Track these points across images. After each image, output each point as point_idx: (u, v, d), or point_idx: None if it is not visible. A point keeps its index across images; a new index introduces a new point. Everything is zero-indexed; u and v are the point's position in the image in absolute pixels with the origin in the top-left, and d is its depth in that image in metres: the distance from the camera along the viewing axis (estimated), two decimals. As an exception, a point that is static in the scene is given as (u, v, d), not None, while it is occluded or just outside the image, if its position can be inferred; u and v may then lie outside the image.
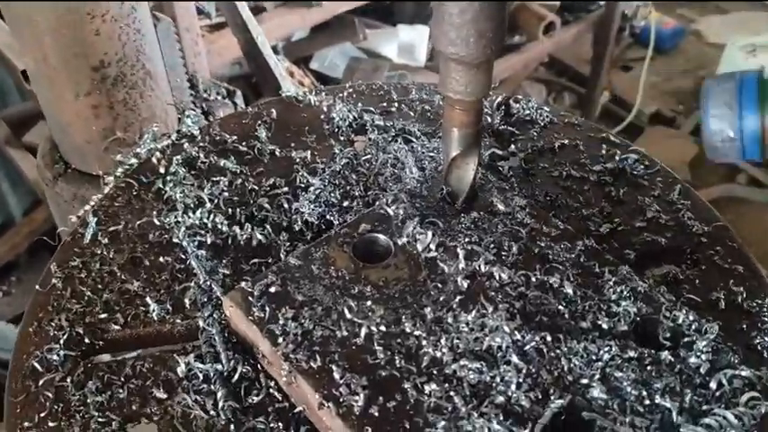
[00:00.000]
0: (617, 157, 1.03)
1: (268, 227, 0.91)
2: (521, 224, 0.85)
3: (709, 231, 0.93)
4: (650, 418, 0.65)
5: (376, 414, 0.65)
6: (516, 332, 0.71)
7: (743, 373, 0.68)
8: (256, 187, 0.98)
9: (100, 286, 0.85)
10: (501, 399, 0.66)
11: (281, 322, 0.73)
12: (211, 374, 0.74)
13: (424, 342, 0.71)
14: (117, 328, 0.80)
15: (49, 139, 1.60)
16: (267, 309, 0.74)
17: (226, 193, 0.96)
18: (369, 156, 1.01)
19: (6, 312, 2.82)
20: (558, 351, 0.70)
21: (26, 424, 0.71)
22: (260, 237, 0.89)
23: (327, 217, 0.92)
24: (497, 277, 0.77)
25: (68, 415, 0.71)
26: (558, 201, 0.97)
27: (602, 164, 1.03)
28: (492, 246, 0.81)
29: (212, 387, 0.73)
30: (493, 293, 0.76)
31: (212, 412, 0.71)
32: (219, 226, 0.91)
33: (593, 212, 0.95)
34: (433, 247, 0.81)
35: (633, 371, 0.68)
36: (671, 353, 0.70)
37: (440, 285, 0.77)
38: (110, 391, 0.74)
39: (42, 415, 0.71)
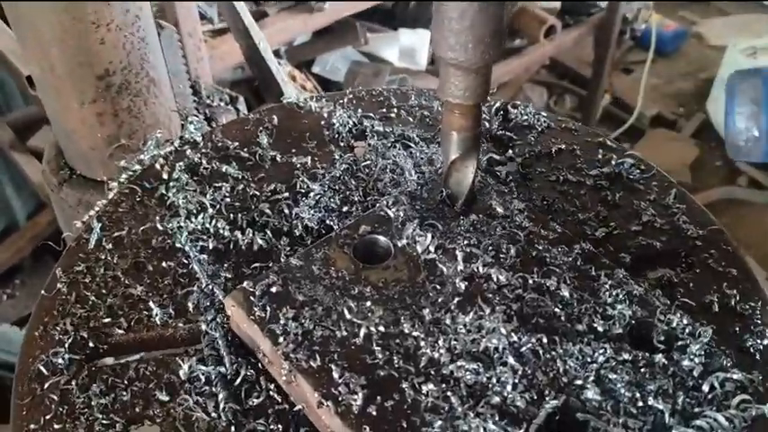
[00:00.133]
0: (613, 162, 1.04)
1: (269, 232, 0.92)
2: (519, 227, 0.86)
3: (703, 235, 0.94)
4: (643, 419, 0.66)
5: (374, 413, 0.66)
6: (513, 334, 0.72)
7: (735, 377, 0.69)
8: (258, 193, 0.99)
9: (104, 291, 0.86)
10: (497, 399, 0.67)
11: (281, 322, 0.74)
12: (213, 377, 0.75)
13: (422, 343, 0.72)
14: (121, 332, 0.82)
15: (54, 145, 1.62)
16: (268, 308, 0.75)
17: (228, 199, 0.98)
18: (368, 161, 1.02)
19: (11, 315, 2.84)
20: (553, 353, 0.71)
21: (32, 426, 0.72)
22: (261, 242, 0.91)
23: (327, 222, 0.93)
24: (495, 279, 0.79)
25: (73, 417, 0.73)
26: (555, 205, 0.98)
27: (598, 168, 1.04)
28: (490, 248, 0.83)
29: (214, 389, 0.74)
30: (490, 295, 0.77)
31: (214, 414, 0.72)
32: (221, 231, 0.92)
33: (589, 216, 0.96)
34: (432, 249, 0.82)
35: (627, 373, 0.70)
36: (665, 356, 0.71)
37: (438, 287, 0.78)
38: (113, 393, 0.75)
39: (48, 417, 0.73)
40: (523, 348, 0.71)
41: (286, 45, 3.23)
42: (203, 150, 1.07)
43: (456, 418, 0.65)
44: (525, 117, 1.14)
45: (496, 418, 0.65)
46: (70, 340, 0.80)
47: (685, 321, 0.74)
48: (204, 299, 0.83)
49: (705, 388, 0.69)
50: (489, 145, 1.09)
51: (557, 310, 0.75)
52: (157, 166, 1.04)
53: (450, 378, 0.69)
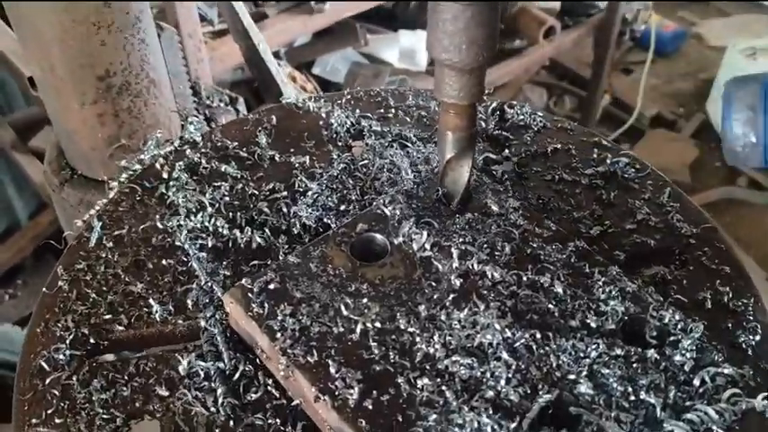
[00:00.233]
0: (608, 161, 1.05)
1: (267, 230, 0.93)
2: (514, 225, 0.87)
3: (697, 233, 0.95)
4: (635, 413, 0.67)
5: (370, 407, 0.67)
6: (507, 329, 0.73)
7: (725, 371, 0.70)
8: (256, 192, 1.01)
9: (104, 288, 0.88)
10: (491, 393, 0.68)
11: (279, 318, 0.75)
12: (212, 372, 0.76)
13: (417, 338, 0.73)
14: (121, 328, 0.83)
15: (55, 145, 1.63)
16: (266, 305, 0.76)
17: (227, 198, 0.99)
18: (366, 161, 1.04)
19: (12, 315, 2.85)
20: (547, 348, 0.72)
21: (34, 420, 0.73)
22: (259, 240, 0.92)
23: (325, 220, 0.95)
24: (490, 276, 0.80)
25: (74, 412, 0.74)
26: (551, 204, 0.99)
27: (593, 167, 1.05)
28: (485, 246, 0.84)
29: (212, 384, 0.75)
30: (485, 292, 0.78)
31: (212, 409, 0.73)
32: (220, 229, 0.93)
33: (584, 215, 0.97)
34: (428, 246, 0.83)
35: (620, 368, 0.71)
36: (657, 351, 0.72)
37: (434, 284, 0.79)
38: (114, 389, 0.76)
39: (49, 412, 0.74)
40: (517, 344, 0.72)
41: (286, 46, 3.24)
42: (203, 150, 1.08)
43: (450, 411, 0.66)
44: (521, 117, 1.15)
45: (490, 412, 0.66)
46: (71, 336, 0.81)
47: (677, 317, 0.75)
48: (203, 296, 0.85)
49: (696, 382, 0.70)
50: (486, 144, 1.10)
51: (550, 306, 0.76)
52: (157, 165, 1.05)
53: (445, 373, 0.70)
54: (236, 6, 1.97)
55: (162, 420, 0.73)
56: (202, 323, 0.81)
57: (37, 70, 1.42)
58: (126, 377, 0.77)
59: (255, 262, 0.89)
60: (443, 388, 0.68)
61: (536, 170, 1.05)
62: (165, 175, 1.03)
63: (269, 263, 0.88)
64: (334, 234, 0.86)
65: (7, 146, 2.68)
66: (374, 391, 0.68)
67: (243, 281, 0.79)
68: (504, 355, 0.71)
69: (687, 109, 4.43)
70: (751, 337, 0.81)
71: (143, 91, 1.44)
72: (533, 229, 0.87)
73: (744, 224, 3.62)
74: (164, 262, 0.91)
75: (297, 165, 1.06)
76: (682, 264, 0.91)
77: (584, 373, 0.70)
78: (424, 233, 0.84)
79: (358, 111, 1.16)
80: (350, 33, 3.22)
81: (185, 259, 0.90)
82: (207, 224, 0.94)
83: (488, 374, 0.70)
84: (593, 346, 0.72)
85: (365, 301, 0.77)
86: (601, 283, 0.79)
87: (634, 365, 0.71)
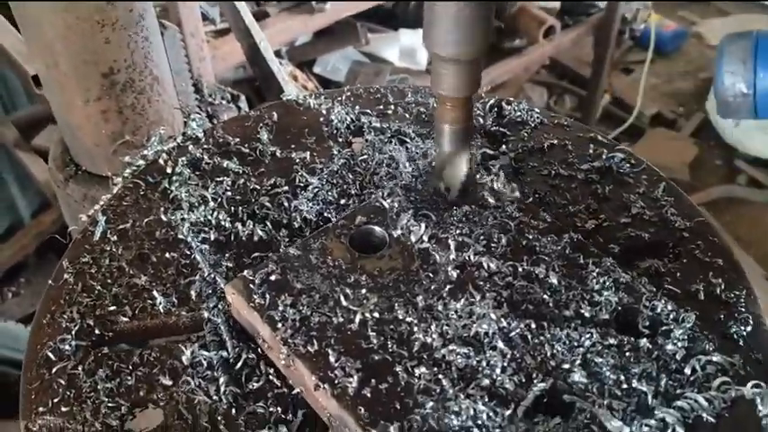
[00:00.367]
0: (604, 156, 1.07)
1: (269, 224, 0.95)
2: (510, 217, 0.89)
3: (691, 227, 0.97)
4: (627, 401, 0.68)
5: (369, 395, 0.68)
6: (502, 319, 0.74)
7: (715, 359, 0.72)
8: (258, 187, 1.02)
9: (109, 281, 0.89)
10: (486, 382, 0.69)
11: (280, 309, 0.76)
12: (214, 362, 0.78)
13: (415, 328, 0.75)
14: (125, 319, 0.84)
15: (59, 142, 1.65)
16: (267, 296, 0.78)
17: (229, 193, 1.00)
18: (365, 156, 1.05)
19: (16, 312, 2.87)
20: (541, 337, 0.74)
21: (41, 409, 0.75)
22: (261, 233, 0.93)
23: (325, 214, 0.96)
24: (486, 267, 0.81)
25: (80, 400, 0.75)
26: (547, 198, 1.00)
27: (589, 163, 1.06)
28: (482, 238, 0.85)
29: (215, 374, 0.77)
30: (481, 283, 0.79)
31: (215, 397, 0.75)
32: (223, 223, 0.95)
33: (579, 209, 0.99)
34: (425, 238, 0.85)
35: (613, 357, 0.72)
36: (649, 340, 0.74)
37: (431, 275, 0.81)
38: (118, 378, 0.77)
39: (56, 400, 0.75)
40: (512, 333, 0.74)
41: (287, 45, 3.26)
42: (205, 146, 1.10)
43: (447, 399, 0.68)
44: (519, 113, 1.16)
45: (486, 400, 0.67)
46: (77, 327, 0.83)
47: (670, 307, 0.77)
48: (206, 287, 0.86)
49: (687, 371, 0.71)
50: (483, 140, 1.12)
51: (545, 296, 0.78)
52: (161, 161, 1.07)
53: (442, 362, 0.71)
54: (238, 5, 1.99)
55: (165, 409, 0.75)
56: (205, 314, 0.83)
57: (41, 67, 1.44)
58: (130, 367, 0.79)
59: (257, 254, 0.91)
60: (440, 376, 0.70)
61: (532, 165, 1.07)
62: (168, 171, 1.05)
63: (270, 255, 0.89)
64: (333, 226, 0.87)
65: (10, 144, 2.70)
66: (373, 380, 0.70)
67: (244, 272, 0.81)
68: (500, 345, 0.72)
69: (687, 108, 4.45)
70: (743, 327, 0.82)
71: (146, 88, 1.46)
72: (529, 221, 0.88)
73: (743, 222, 3.63)
74: (167, 255, 0.92)
75: (298, 160, 1.07)
76: (675, 257, 0.93)
77: (578, 361, 0.72)
78: (422, 225, 0.85)
79: (358, 107, 1.18)
80: (351, 33, 3.24)
81: (188, 252, 0.92)
82: (209, 218, 0.96)
83: (484, 363, 0.71)
84: (587, 336, 0.73)
85: (364, 291, 0.79)
86: (595, 273, 0.80)
87: (627, 354, 0.72)
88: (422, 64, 3.51)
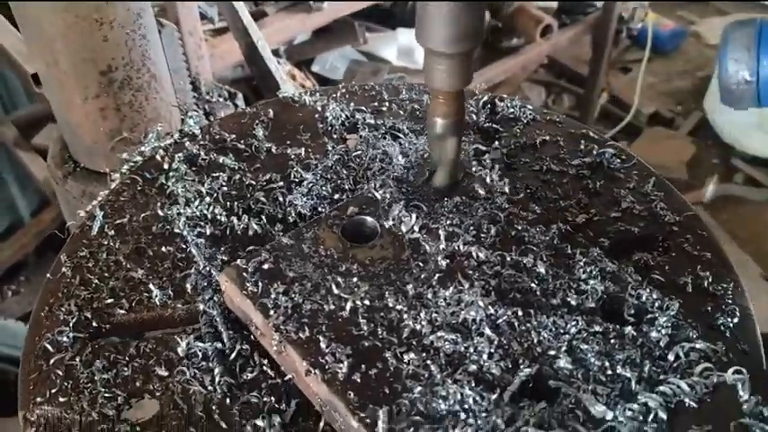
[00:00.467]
0: (595, 152, 1.08)
1: (264, 218, 0.97)
2: (499, 208, 0.90)
3: (680, 221, 0.98)
4: (611, 386, 0.70)
5: (358, 380, 0.70)
6: (490, 307, 0.76)
7: (698, 346, 0.73)
8: (253, 182, 1.04)
9: (106, 274, 0.91)
10: (474, 367, 0.71)
11: (272, 296, 0.78)
12: (209, 353, 0.79)
13: (404, 316, 0.76)
14: (122, 312, 0.86)
15: (58, 139, 1.67)
16: (260, 284, 0.79)
17: (224, 188, 1.02)
18: (359, 152, 1.07)
19: (15, 310, 2.88)
20: (528, 325, 0.75)
21: (38, 399, 0.76)
22: (256, 227, 0.95)
23: (319, 209, 0.98)
24: (475, 257, 0.83)
25: (77, 391, 0.77)
26: (538, 193, 1.02)
27: (580, 158, 1.08)
28: (471, 228, 0.87)
29: (210, 365, 0.78)
30: (470, 272, 0.81)
31: (210, 387, 0.76)
32: (218, 217, 0.97)
33: (570, 204, 1.00)
34: (416, 228, 0.86)
35: (598, 344, 0.73)
36: (634, 328, 0.75)
37: (421, 264, 0.82)
38: (115, 369, 0.79)
39: (53, 391, 0.77)
40: (500, 320, 0.75)
41: (286, 44, 3.27)
42: (201, 142, 1.12)
43: (435, 384, 0.69)
44: (511, 110, 1.18)
45: (473, 385, 0.69)
46: (74, 320, 0.84)
47: (655, 296, 0.78)
48: (202, 280, 0.88)
49: (671, 357, 0.72)
50: (476, 137, 1.13)
51: (533, 285, 0.79)
52: (158, 157, 1.08)
53: (431, 348, 0.73)
54: (236, 5, 2.01)
55: (161, 399, 0.76)
56: (201, 306, 0.84)
57: (41, 66, 1.46)
58: (127, 358, 0.80)
59: (252, 248, 0.92)
60: (428, 362, 0.71)
61: (525, 161, 1.08)
62: (165, 167, 1.06)
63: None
64: (326, 216, 0.89)
65: (10, 143, 2.71)
66: (363, 366, 0.71)
67: (238, 261, 0.82)
68: (487, 331, 0.74)
69: (685, 107, 4.45)
70: (729, 319, 0.84)
71: (144, 86, 1.48)
72: (518, 213, 0.90)
73: (740, 221, 3.64)
74: (163, 249, 0.94)
75: (293, 156, 1.09)
76: (664, 250, 0.94)
77: (564, 348, 0.73)
78: (413, 216, 0.87)
79: (353, 104, 1.19)
80: (349, 32, 3.25)
81: (184, 246, 0.94)
82: (205, 212, 0.97)
83: (472, 349, 0.73)
84: (573, 323, 0.75)
85: (355, 280, 0.80)
86: (582, 263, 0.82)
87: (611, 341, 0.74)
88: (419, 63, 3.52)
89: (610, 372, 0.71)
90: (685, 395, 0.69)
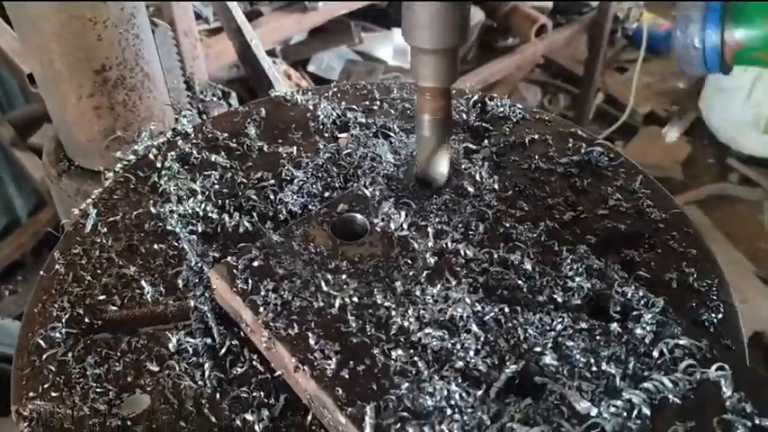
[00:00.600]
0: (583, 150, 1.09)
1: (255, 216, 0.97)
2: (488, 206, 0.91)
3: (666, 218, 0.99)
4: (596, 382, 0.70)
5: (346, 376, 0.70)
6: (477, 304, 0.76)
7: (682, 342, 0.74)
8: (245, 180, 1.04)
9: (99, 271, 0.91)
10: (460, 363, 0.71)
11: (262, 293, 0.79)
12: (200, 348, 0.80)
13: (393, 312, 0.77)
14: (114, 308, 0.86)
15: (53, 138, 1.67)
16: (250, 281, 0.80)
17: (216, 186, 1.03)
18: (350, 150, 1.08)
19: (13, 310, 2.89)
20: (514, 321, 0.76)
21: (31, 394, 0.77)
22: (247, 224, 0.96)
23: (310, 207, 0.98)
24: (463, 254, 0.83)
25: (69, 386, 0.77)
26: (526, 191, 1.03)
27: (568, 156, 1.09)
28: (460, 225, 0.87)
29: (200, 360, 0.79)
30: (458, 269, 0.82)
31: (200, 382, 0.77)
32: (210, 215, 0.97)
33: (558, 201, 1.01)
34: (405, 226, 0.87)
35: (583, 340, 0.74)
36: (619, 325, 0.76)
37: (410, 261, 0.83)
38: (107, 364, 0.79)
39: (46, 386, 0.77)
40: (487, 317, 0.76)
41: (281, 44, 3.28)
42: (194, 141, 1.12)
43: (422, 380, 0.70)
44: (501, 108, 1.19)
45: (459, 381, 0.69)
46: (67, 316, 0.85)
47: (641, 293, 0.79)
48: (193, 276, 0.89)
49: (655, 354, 0.73)
50: (466, 135, 1.14)
51: (520, 282, 0.80)
52: (151, 155, 1.09)
53: (418, 344, 0.74)
54: (230, 5, 2.01)
55: (152, 394, 0.77)
56: (192, 302, 0.85)
57: (36, 65, 1.47)
58: (118, 353, 0.81)
59: (242, 244, 0.93)
60: (416, 359, 0.72)
61: (513, 159, 1.09)
62: (158, 165, 1.07)
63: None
64: (316, 214, 0.90)
65: (7, 143, 2.72)
66: (351, 362, 0.72)
67: (228, 258, 0.83)
68: (474, 328, 0.75)
69: (680, 107, 4.47)
70: (713, 315, 0.85)
71: (138, 85, 1.49)
72: (506, 210, 0.91)
73: (735, 220, 3.66)
74: (155, 246, 0.94)
75: (284, 155, 1.09)
76: (650, 247, 0.95)
77: (550, 345, 0.74)
78: (402, 213, 0.88)
79: (344, 103, 1.20)
80: (344, 31, 3.26)
81: (176, 244, 0.94)
82: (197, 210, 0.98)
83: (459, 346, 0.73)
84: (559, 320, 0.75)
85: (344, 277, 0.81)
86: (569, 261, 0.83)
87: (597, 338, 0.74)
88: (415, 63, 3.53)
89: (595, 368, 0.72)
90: (669, 391, 0.69)
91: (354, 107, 1.19)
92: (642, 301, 0.79)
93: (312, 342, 0.73)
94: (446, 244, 0.84)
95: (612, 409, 0.68)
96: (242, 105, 1.24)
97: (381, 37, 3.57)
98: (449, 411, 0.68)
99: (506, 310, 0.76)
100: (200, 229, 0.96)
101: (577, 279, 0.81)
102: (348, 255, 0.84)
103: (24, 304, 2.90)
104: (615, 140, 4.09)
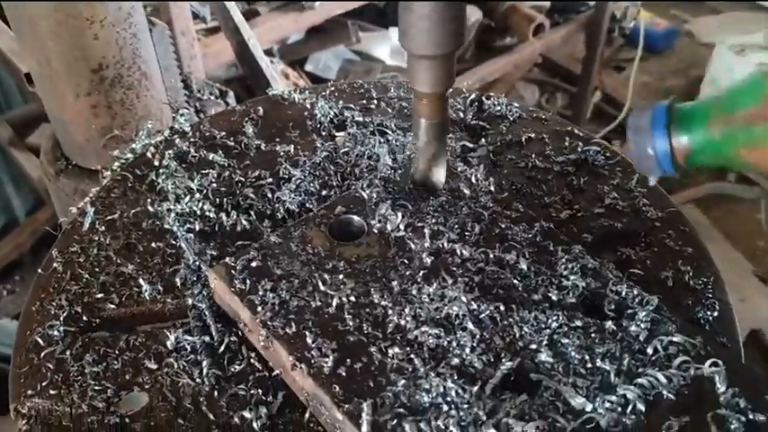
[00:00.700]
0: (579, 149, 1.10)
1: (252, 214, 0.98)
2: (484, 207, 0.92)
3: (662, 216, 1.00)
4: (591, 379, 0.71)
5: (343, 374, 0.71)
6: (473, 302, 0.77)
7: (676, 339, 0.74)
8: (242, 179, 1.05)
9: (97, 269, 0.92)
10: (456, 361, 0.72)
11: (260, 293, 0.79)
12: (198, 346, 0.80)
13: (389, 311, 0.77)
14: (112, 306, 0.87)
15: (51, 137, 1.68)
16: (248, 281, 0.80)
17: (214, 184, 1.03)
18: (347, 149, 1.08)
19: (11, 309, 2.88)
20: (510, 319, 0.76)
21: (29, 392, 0.77)
22: (245, 223, 0.96)
23: (307, 205, 0.99)
24: (459, 254, 0.84)
25: (67, 384, 0.78)
26: (523, 190, 1.03)
27: (565, 155, 1.09)
28: (456, 226, 0.88)
29: (198, 357, 0.79)
30: (454, 268, 0.82)
31: (198, 380, 0.77)
32: (207, 213, 0.98)
33: (554, 200, 1.02)
34: (402, 227, 0.88)
35: (578, 338, 0.75)
36: (614, 323, 0.76)
37: (407, 261, 0.84)
38: (105, 362, 0.80)
39: (44, 384, 0.78)
40: (482, 315, 0.76)
41: (279, 43, 3.28)
42: (192, 139, 1.13)
43: (418, 377, 0.70)
44: (498, 107, 1.19)
45: (455, 378, 0.70)
46: (65, 314, 0.85)
47: (635, 291, 0.80)
48: (191, 274, 0.89)
49: (650, 351, 0.74)
50: (463, 134, 1.15)
51: (515, 281, 0.81)
52: (148, 154, 1.09)
53: (414, 342, 0.74)
54: (227, 4, 2.02)
55: (150, 391, 0.77)
56: (190, 300, 0.86)
57: (34, 64, 1.47)
58: (117, 351, 0.81)
59: (241, 243, 0.93)
60: (412, 356, 0.72)
61: (510, 158, 1.10)
62: (155, 164, 1.08)
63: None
64: (314, 215, 0.90)
65: (5, 143, 2.72)
66: (348, 360, 0.72)
67: (226, 259, 0.83)
68: (470, 326, 0.75)
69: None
70: (709, 312, 0.86)
71: (135, 83, 1.49)
72: (502, 211, 0.91)
73: (733, 219, 3.67)
74: (153, 245, 0.95)
75: (282, 153, 1.10)
76: (647, 245, 0.96)
77: (545, 342, 0.74)
78: (399, 214, 0.88)
79: (341, 102, 1.20)
80: (342, 31, 3.26)
81: (174, 242, 0.95)
82: (195, 208, 0.98)
83: (454, 343, 0.74)
84: (554, 318, 0.76)
85: (341, 277, 0.81)
86: (564, 260, 0.83)
87: (592, 335, 0.75)
88: (413, 62, 3.53)
89: (590, 365, 0.72)
90: (663, 387, 0.70)
91: (351, 106, 1.20)
92: (636, 300, 0.79)
93: (309, 340, 0.74)
94: (442, 244, 0.85)
95: (607, 405, 0.69)
96: (239, 104, 1.24)
97: (379, 36, 3.56)
98: (445, 407, 0.68)
99: (502, 308, 0.77)
100: (197, 228, 0.96)
101: (572, 278, 0.81)
102: (345, 255, 0.85)
103: (22, 304, 2.91)
104: (612, 139, 4.08)
